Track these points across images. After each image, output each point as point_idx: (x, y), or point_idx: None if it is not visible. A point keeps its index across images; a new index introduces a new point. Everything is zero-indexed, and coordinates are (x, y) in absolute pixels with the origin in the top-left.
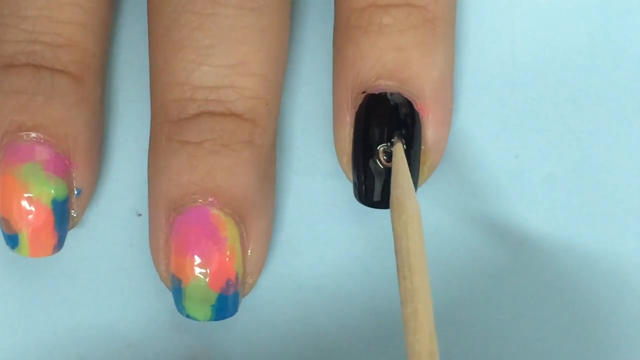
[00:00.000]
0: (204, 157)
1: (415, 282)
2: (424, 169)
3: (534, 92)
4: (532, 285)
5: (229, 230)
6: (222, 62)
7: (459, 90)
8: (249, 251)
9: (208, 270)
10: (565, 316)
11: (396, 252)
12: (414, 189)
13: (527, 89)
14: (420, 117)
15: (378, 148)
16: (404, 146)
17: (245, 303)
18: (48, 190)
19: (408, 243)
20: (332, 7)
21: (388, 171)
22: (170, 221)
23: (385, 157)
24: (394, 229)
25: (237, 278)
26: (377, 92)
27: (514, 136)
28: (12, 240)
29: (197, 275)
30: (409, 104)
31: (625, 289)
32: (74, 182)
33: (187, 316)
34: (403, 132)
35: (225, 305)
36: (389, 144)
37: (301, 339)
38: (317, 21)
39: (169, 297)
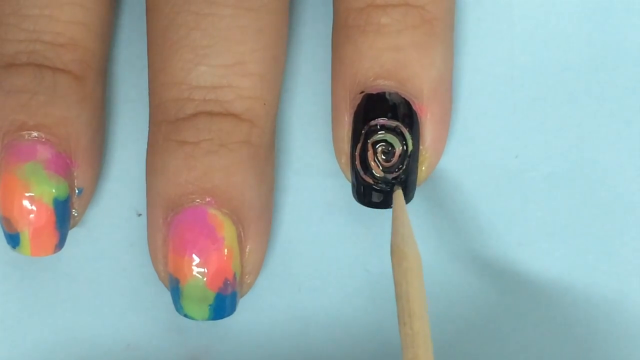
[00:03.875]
0: (202, 157)
1: (415, 328)
2: (422, 168)
3: (534, 92)
4: (532, 285)
5: (226, 230)
6: (219, 62)
7: (459, 90)
8: (247, 251)
9: (206, 270)
10: (566, 318)
11: (396, 298)
12: (413, 237)
13: (527, 89)
14: (419, 117)
15: (376, 148)
16: (403, 190)
17: (245, 303)
18: (49, 190)
19: (408, 289)
20: (332, 7)
21: (386, 171)
22: (168, 221)
23: (383, 157)
24: (394, 276)
25: (235, 278)
26: (375, 92)
27: (514, 136)
28: (14, 240)
29: (195, 275)
30: (407, 104)
31: (625, 288)
32: (75, 181)
33: (185, 316)
34: (403, 141)
35: (223, 304)
36: (385, 144)
37: (301, 339)
38: (317, 21)
39: (169, 297)
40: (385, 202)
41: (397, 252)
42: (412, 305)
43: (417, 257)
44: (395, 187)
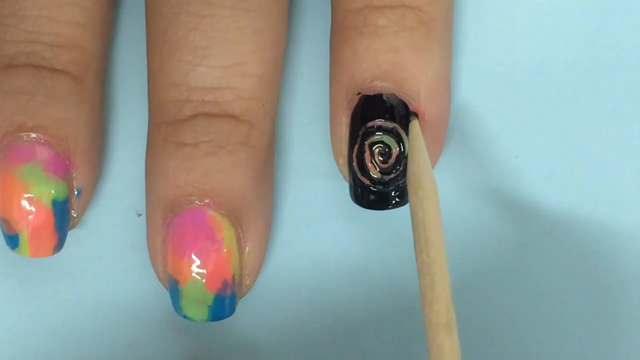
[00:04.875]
0: (200, 159)
1: (432, 255)
2: None
3: (534, 92)
4: (533, 284)
5: (225, 232)
6: (218, 63)
7: (458, 90)
8: (247, 252)
9: (205, 271)
10: (567, 312)
11: (413, 227)
12: (430, 165)
13: (527, 89)
14: None
15: (374, 149)
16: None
17: (245, 304)
18: (48, 191)
19: (424, 217)
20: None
21: (384, 172)
22: (167, 222)
23: (380, 159)
24: (410, 205)
25: (234, 279)
26: (372, 94)
27: (514, 136)
28: (13, 241)
29: (194, 276)
30: (404, 106)
31: (626, 288)
32: (74, 182)
33: (184, 317)
34: (397, 132)
35: (222, 306)
36: (382, 145)
37: (301, 340)
38: (316, 21)
39: (169, 297)
40: (382, 203)
41: (413, 180)
42: (428, 233)
43: (433, 185)
44: (412, 117)
